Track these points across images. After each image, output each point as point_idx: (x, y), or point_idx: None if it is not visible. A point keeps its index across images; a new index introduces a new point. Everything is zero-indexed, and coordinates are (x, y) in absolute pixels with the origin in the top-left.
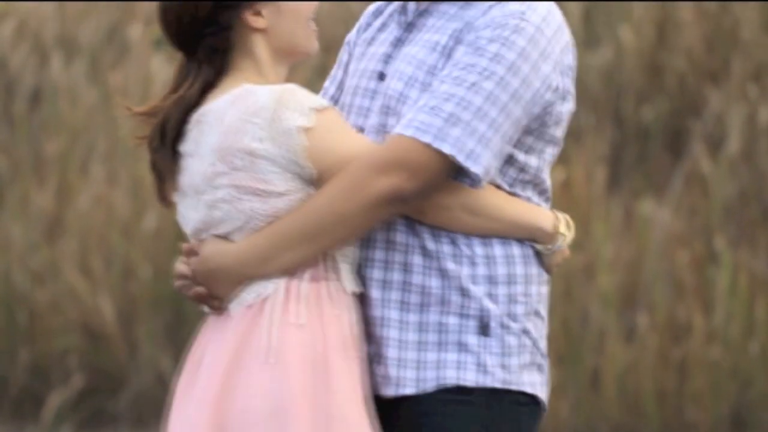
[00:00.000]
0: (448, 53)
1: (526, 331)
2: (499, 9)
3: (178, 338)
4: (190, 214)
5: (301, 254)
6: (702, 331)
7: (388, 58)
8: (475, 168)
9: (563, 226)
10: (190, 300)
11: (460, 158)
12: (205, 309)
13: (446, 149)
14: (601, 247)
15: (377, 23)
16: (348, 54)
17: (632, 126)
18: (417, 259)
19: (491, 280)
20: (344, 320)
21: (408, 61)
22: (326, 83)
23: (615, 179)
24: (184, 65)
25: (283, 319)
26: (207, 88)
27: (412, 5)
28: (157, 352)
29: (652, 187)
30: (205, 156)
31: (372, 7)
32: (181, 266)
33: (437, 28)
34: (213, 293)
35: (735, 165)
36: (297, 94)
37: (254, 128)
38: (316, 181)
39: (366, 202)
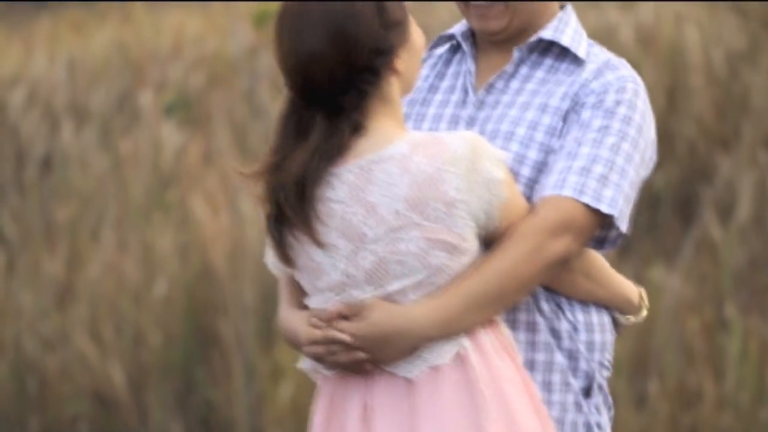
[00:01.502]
0: (563, 115)
1: (607, 393)
2: (612, 73)
3: (189, 405)
4: (336, 264)
5: (483, 316)
6: (713, 398)
7: (471, 120)
8: (623, 228)
9: (646, 299)
10: (335, 366)
11: (617, 218)
12: (324, 372)
13: (605, 209)
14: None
15: (420, 84)
16: None
17: (643, 192)
18: (539, 319)
19: (589, 347)
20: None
21: (514, 122)
22: None
23: (625, 245)
24: (301, 113)
25: (490, 373)
26: (354, 134)
27: (473, 66)
28: (168, 419)
29: (663, 254)
30: (381, 205)
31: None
32: (322, 332)
33: (533, 91)
34: (376, 358)
35: (745, 231)
36: (485, 142)
37: (452, 177)
38: (489, 236)
39: (544, 266)
